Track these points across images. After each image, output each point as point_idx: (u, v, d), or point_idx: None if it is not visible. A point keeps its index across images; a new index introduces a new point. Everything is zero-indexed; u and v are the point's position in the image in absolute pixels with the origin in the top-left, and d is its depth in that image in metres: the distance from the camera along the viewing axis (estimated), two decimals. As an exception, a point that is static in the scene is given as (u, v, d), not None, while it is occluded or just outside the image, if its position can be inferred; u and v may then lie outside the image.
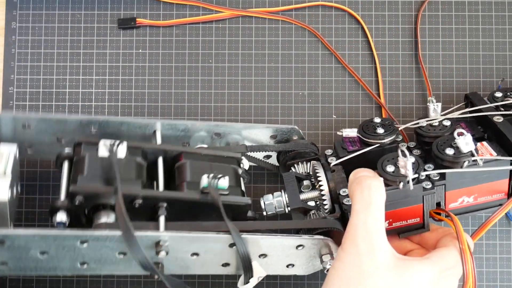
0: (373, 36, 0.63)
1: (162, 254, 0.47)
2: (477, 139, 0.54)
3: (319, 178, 0.53)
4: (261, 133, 0.57)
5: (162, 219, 0.48)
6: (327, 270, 0.49)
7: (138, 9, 0.64)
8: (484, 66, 0.63)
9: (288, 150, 0.56)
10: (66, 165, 0.50)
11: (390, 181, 0.49)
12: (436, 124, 0.54)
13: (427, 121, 0.55)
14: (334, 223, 0.51)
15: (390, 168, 0.49)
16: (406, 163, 0.47)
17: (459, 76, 0.63)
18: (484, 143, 0.53)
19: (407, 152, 0.47)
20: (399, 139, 0.55)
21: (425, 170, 0.50)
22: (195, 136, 0.56)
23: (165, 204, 0.48)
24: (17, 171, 0.52)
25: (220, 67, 0.63)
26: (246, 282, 0.48)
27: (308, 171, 0.55)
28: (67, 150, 0.51)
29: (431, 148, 0.52)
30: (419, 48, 0.62)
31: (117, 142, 0.49)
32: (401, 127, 0.56)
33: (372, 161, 0.53)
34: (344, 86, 0.63)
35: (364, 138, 0.54)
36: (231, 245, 0.48)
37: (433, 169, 0.51)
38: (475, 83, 0.63)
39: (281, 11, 0.64)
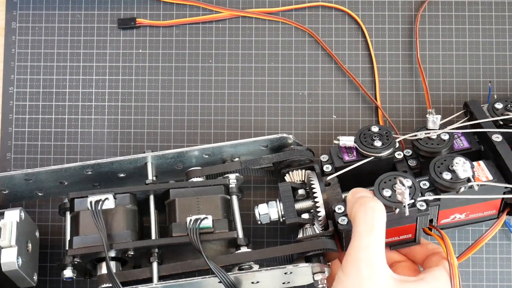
0: (372, 36, 0.63)
1: None
2: (473, 153, 0.54)
3: (314, 190, 0.53)
4: (252, 145, 0.58)
5: (154, 266, 0.51)
6: None
7: (138, 9, 0.64)
8: (484, 66, 0.63)
9: (283, 160, 0.56)
10: (68, 216, 0.54)
11: (386, 206, 0.49)
12: (434, 137, 0.54)
13: (425, 133, 0.54)
14: (327, 244, 0.51)
15: (387, 193, 0.49)
16: (404, 193, 0.47)
17: (459, 76, 0.63)
18: (481, 163, 0.53)
19: (405, 182, 0.48)
20: (396, 149, 0.54)
21: (421, 194, 0.50)
22: (189, 155, 0.57)
23: (157, 250, 0.52)
24: (24, 232, 0.54)
25: (220, 67, 0.63)
26: None
27: (303, 179, 0.55)
28: (66, 200, 0.54)
29: (427, 160, 0.52)
30: (418, 49, 0.62)
31: (103, 198, 0.52)
32: (399, 138, 0.55)
33: (367, 171, 0.53)
34: (344, 86, 0.63)
35: (361, 150, 0.54)
36: (220, 282, 0.50)
37: (428, 188, 0.51)
38: (475, 83, 0.63)
39: (280, 11, 0.64)
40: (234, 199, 0.55)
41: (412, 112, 0.62)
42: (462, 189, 0.50)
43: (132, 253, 0.52)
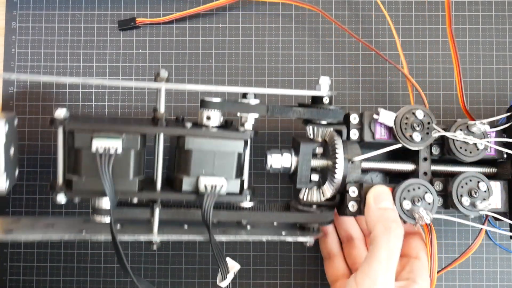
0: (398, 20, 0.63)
1: (155, 246, 0.50)
2: (494, 160, 0.55)
3: (336, 166, 0.51)
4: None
5: (156, 213, 0.50)
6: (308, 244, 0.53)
7: (138, 9, 0.64)
8: (484, 66, 0.63)
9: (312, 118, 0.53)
10: (60, 137, 0.48)
11: (401, 217, 0.50)
12: (471, 142, 0.52)
13: (464, 137, 0.52)
14: (328, 217, 0.52)
15: (407, 206, 0.50)
16: (424, 217, 0.49)
17: (459, 76, 0.63)
18: (498, 185, 0.53)
19: (426, 198, 0.50)
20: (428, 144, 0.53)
21: (438, 210, 0.52)
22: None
23: (160, 199, 0.50)
24: (8, 144, 0.50)
25: (220, 67, 0.63)
26: (224, 278, 0.49)
27: (326, 139, 0.53)
28: (59, 113, 0.48)
29: (451, 157, 0.53)
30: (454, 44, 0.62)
31: (112, 149, 0.47)
32: (438, 134, 0.52)
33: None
34: (344, 86, 0.63)
35: (397, 135, 0.52)
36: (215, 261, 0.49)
37: (441, 191, 0.53)
38: (475, 83, 0.63)
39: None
40: (248, 147, 0.51)
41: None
42: (472, 216, 0.52)
43: (136, 201, 0.50)
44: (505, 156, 0.54)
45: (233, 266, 0.50)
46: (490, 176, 0.54)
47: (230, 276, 0.50)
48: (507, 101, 0.62)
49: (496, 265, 0.60)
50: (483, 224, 0.55)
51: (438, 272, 0.57)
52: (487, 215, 0.54)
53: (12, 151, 0.51)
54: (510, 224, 0.54)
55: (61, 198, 0.48)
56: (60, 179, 0.48)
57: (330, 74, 0.63)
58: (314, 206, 0.53)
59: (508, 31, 0.63)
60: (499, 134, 0.55)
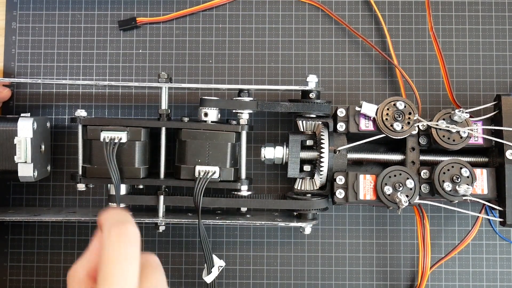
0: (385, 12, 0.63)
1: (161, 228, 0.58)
2: (483, 149, 0.56)
3: (322, 155, 0.54)
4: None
5: (161, 199, 0.56)
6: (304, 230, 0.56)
7: (138, 9, 0.64)
8: (484, 66, 0.63)
9: (301, 111, 0.56)
10: (80, 132, 0.56)
11: (383, 202, 0.53)
12: (454, 131, 0.54)
13: (446, 126, 0.54)
14: (321, 204, 0.55)
15: (388, 190, 0.53)
16: (402, 201, 0.52)
17: (459, 76, 0.63)
18: (484, 172, 0.54)
19: (408, 184, 0.53)
20: (413, 133, 0.55)
21: (420, 196, 0.54)
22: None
23: (164, 186, 0.56)
24: (37, 140, 0.57)
25: (220, 67, 0.63)
26: (209, 273, 0.53)
27: (314, 131, 0.57)
28: (78, 112, 0.56)
29: (437, 146, 0.54)
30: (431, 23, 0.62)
31: (117, 139, 0.53)
32: (419, 123, 0.55)
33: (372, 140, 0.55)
34: (345, 86, 0.63)
35: (379, 125, 0.54)
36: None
37: (428, 178, 0.54)
38: (475, 83, 0.63)
39: None
40: (243, 141, 0.56)
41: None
42: (456, 201, 0.53)
43: (141, 187, 0.57)
44: (493, 144, 0.55)
45: (219, 263, 0.54)
46: (482, 165, 0.56)
47: (215, 271, 0.53)
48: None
49: (496, 265, 0.60)
50: (480, 212, 0.56)
51: (438, 261, 0.58)
52: (483, 204, 0.55)
53: (43, 148, 0.58)
54: (499, 210, 0.55)
55: (81, 186, 0.55)
56: (79, 168, 0.56)
57: (330, 74, 0.63)
58: (309, 195, 0.56)
59: (508, 31, 0.63)
60: (487, 123, 0.56)
